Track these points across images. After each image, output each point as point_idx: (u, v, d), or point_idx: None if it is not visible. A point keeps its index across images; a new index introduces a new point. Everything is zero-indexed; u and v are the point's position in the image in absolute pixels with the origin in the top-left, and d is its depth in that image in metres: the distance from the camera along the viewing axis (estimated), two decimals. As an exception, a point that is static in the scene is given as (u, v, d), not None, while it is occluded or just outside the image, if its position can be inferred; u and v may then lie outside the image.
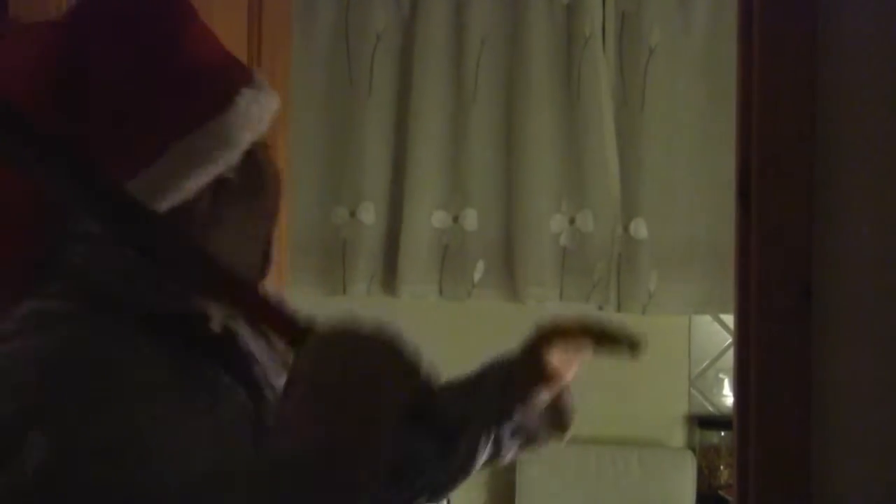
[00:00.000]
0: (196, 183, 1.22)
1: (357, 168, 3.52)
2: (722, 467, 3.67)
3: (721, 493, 3.60)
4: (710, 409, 3.75)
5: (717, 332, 3.72)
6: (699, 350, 3.70)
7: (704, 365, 3.72)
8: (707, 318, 3.70)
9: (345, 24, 3.55)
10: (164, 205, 1.21)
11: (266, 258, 1.38)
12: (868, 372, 1.43)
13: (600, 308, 3.55)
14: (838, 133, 1.41)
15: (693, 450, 3.72)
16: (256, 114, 1.28)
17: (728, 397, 3.71)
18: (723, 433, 3.66)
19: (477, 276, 3.52)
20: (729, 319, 3.58)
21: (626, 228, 3.50)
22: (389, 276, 3.55)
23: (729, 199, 1.54)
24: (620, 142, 3.50)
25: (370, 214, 3.53)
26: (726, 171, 1.67)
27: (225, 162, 1.24)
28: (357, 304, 3.63)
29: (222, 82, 1.27)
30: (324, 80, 3.56)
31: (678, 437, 3.75)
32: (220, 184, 1.25)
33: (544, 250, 3.46)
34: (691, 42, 3.47)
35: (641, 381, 3.57)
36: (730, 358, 2.86)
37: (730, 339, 3.62)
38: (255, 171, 1.30)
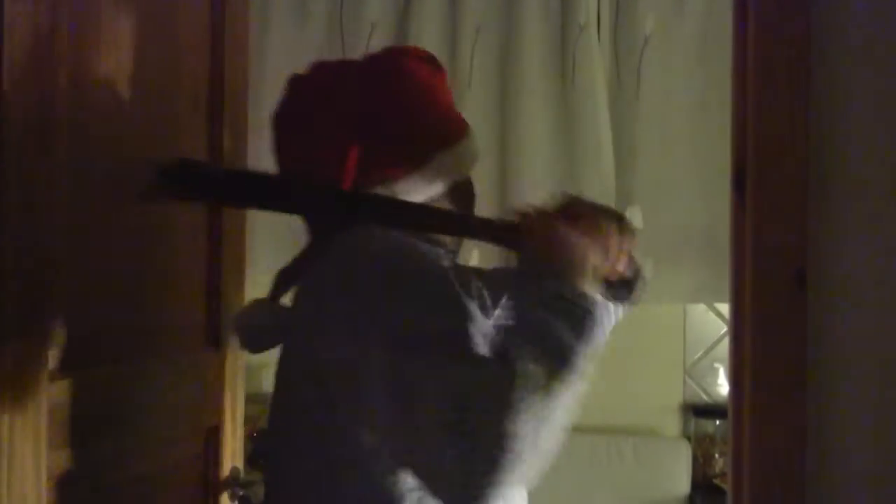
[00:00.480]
0: (437, 189, 1.75)
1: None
2: (717, 456, 3.69)
3: (716, 481, 3.62)
4: (705, 397, 3.76)
5: (712, 321, 3.73)
6: (694, 339, 3.71)
7: (699, 354, 3.72)
8: (702, 307, 3.70)
9: (339, 13, 3.54)
10: (419, 198, 1.73)
11: None
12: (862, 358, 1.43)
13: (595, 297, 3.53)
14: (833, 121, 1.41)
15: (688, 438, 3.73)
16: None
17: (723, 386, 3.72)
18: (718, 422, 3.66)
19: (472, 262, 3.51)
20: (724, 308, 3.59)
21: (620, 217, 3.49)
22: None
23: (724, 187, 1.54)
24: (615, 130, 3.49)
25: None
26: (722, 160, 1.67)
27: (457, 177, 1.80)
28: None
29: (460, 121, 1.85)
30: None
31: (673, 425, 3.75)
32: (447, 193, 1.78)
33: (539, 239, 3.46)
34: (686, 30, 3.47)
35: (636, 370, 3.58)
36: (725, 347, 2.87)
37: (725, 328, 3.63)
38: (466, 190, 1.86)
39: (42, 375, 1.43)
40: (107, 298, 1.62)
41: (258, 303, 1.77)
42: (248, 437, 3.34)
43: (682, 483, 3.66)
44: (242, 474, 2.06)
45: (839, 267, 1.41)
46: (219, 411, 2.01)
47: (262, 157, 3.21)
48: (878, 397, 1.43)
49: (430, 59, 1.88)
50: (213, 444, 1.99)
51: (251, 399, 3.23)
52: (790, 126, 1.39)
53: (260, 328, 1.73)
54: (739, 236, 1.43)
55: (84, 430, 1.55)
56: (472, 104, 3.48)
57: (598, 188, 3.47)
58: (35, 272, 1.41)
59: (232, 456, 2.05)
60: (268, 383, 3.33)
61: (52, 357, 1.47)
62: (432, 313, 1.60)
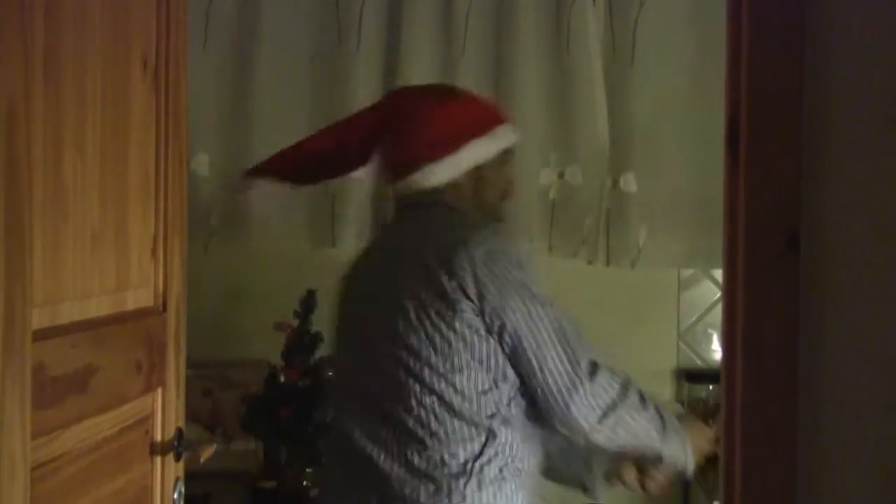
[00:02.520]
0: (468, 164, 2.45)
1: (345, 122, 3.51)
2: (710, 420, 3.69)
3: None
4: (699, 362, 3.76)
5: (705, 287, 3.73)
6: (688, 304, 3.71)
7: (693, 319, 3.72)
8: (696, 272, 3.70)
9: (333, -24, 3.53)
10: (452, 175, 2.44)
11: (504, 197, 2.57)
12: (855, 321, 1.43)
13: (589, 263, 3.55)
14: (827, 83, 1.41)
15: (681, 403, 3.73)
16: (510, 137, 2.54)
17: (717, 352, 3.72)
18: (711, 387, 3.67)
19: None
20: (718, 274, 3.59)
21: (615, 182, 3.49)
22: (378, 229, 3.55)
23: (719, 153, 1.53)
24: (610, 95, 3.49)
25: (359, 168, 3.52)
26: (716, 125, 1.67)
27: (482, 158, 2.47)
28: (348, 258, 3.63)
29: (491, 119, 2.53)
30: (312, 35, 3.54)
31: (666, 390, 3.76)
32: (478, 170, 2.47)
33: (533, 204, 3.46)
34: (681, -5, 3.46)
35: (630, 335, 3.58)
36: (718, 312, 2.87)
37: (718, 294, 3.63)
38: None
39: (26, 335, 1.43)
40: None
41: None
42: (242, 400, 3.37)
43: (675, 448, 3.67)
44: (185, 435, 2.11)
45: (833, 229, 1.41)
46: (165, 372, 2.03)
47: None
48: (871, 360, 1.43)
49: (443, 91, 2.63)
50: (159, 404, 2.02)
51: (204, 363, 3.27)
52: (784, 86, 1.39)
53: None
54: (733, 198, 1.43)
55: (60, 390, 1.58)
56: (467, 69, 3.48)
57: (593, 154, 3.46)
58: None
59: (176, 417, 2.06)
60: (219, 347, 3.36)
61: (36, 317, 1.48)
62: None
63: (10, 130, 1.39)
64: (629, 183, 3.48)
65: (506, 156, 2.55)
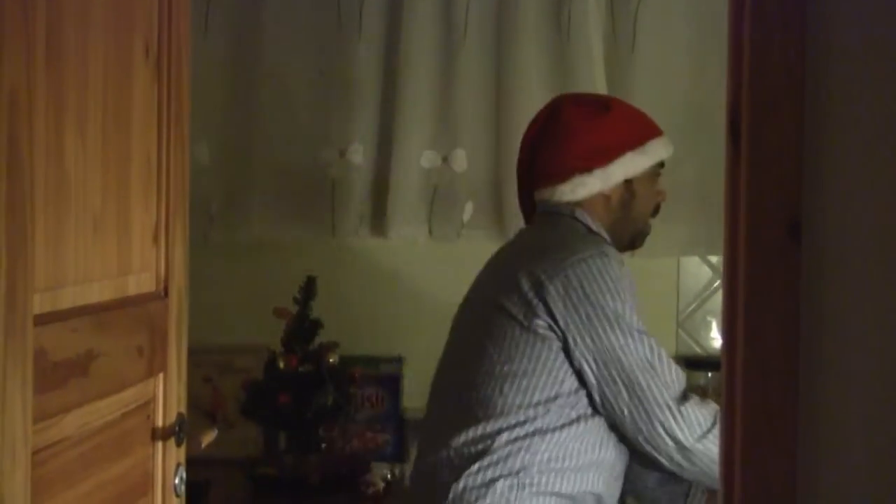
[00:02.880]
0: (619, 178, 2.54)
1: (347, 109, 3.51)
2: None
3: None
4: (698, 350, 3.76)
5: (705, 274, 3.73)
6: (687, 292, 3.71)
7: (692, 307, 3.72)
8: (695, 259, 3.70)
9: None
10: (602, 187, 2.52)
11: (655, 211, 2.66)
12: (856, 310, 1.43)
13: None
14: (829, 69, 1.41)
15: (680, 391, 3.73)
16: (662, 151, 2.60)
17: (716, 339, 3.73)
18: (710, 374, 3.67)
19: (466, 216, 3.52)
20: (717, 261, 3.59)
21: (616, 170, 3.49)
22: (379, 217, 3.55)
23: (719, 140, 1.53)
24: (610, 84, 3.49)
25: (359, 155, 3.52)
26: (717, 114, 1.67)
27: (634, 171, 2.55)
28: (347, 245, 3.63)
29: (644, 133, 2.57)
30: (313, 21, 3.54)
31: (666, 378, 3.75)
32: (629, 183, 2.54)
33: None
34: (682, -18, 3.46)
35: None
36: (718, 300, 2.87)
37: (718, 281, 3.63)
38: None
39: (28, 320, 1.44)
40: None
41: None
42: (242, 387, 3.37)
43: (674, 435, 3.68)
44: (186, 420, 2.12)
45: (834, 219, 1.41)
46: (166, 358, 2.03)
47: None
48: (871, 349, 1.44)
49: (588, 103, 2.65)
50: (160, 389, 2.02)
51: (205, 349, 3.27)
52: (786, 75, 1.38)
53: None
54: (734, 188, 1.42)
55: (62, 374, 1.59)
56: (467, 56, 3.48)
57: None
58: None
59: (177, 402, 2.06)
60: (219, 333, 3.37)
61: (37, 302, 1.49)
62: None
63: (12, 116, 1.40)
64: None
65: (657, 169, 2.61)
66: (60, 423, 1.61)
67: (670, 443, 2.30)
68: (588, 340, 2.31)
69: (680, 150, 3.40)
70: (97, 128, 1.72)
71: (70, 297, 1.64)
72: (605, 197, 2.54)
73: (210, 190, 3.50)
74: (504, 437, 2.33)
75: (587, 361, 2.31)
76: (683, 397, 2.32)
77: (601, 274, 2.34)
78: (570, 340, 2.31)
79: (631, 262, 3.55)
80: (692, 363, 3.73)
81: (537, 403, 2.33)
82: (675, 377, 2.35)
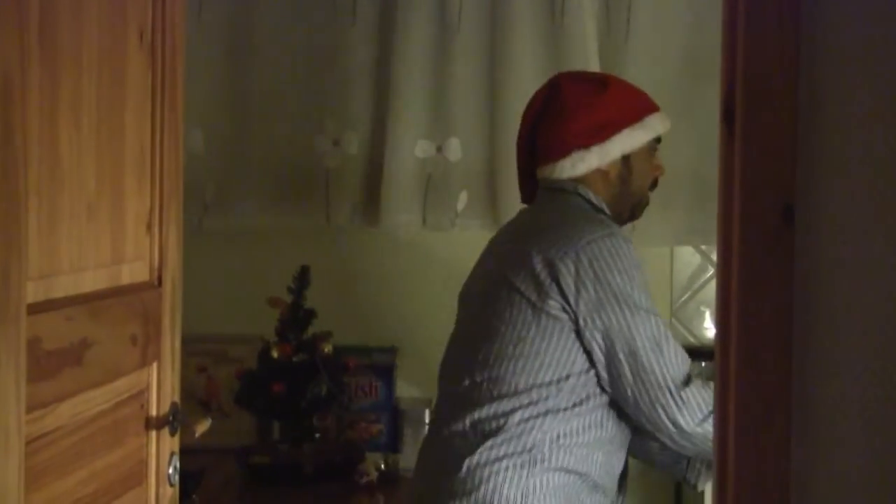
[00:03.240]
0: (617, 153, 2.58)
1: (341, 97, 3.50)
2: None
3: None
4: (692, 339, 3.76)
5: (698, 264, 3.73)
6: (681, 282, 3.70)
7: (686, 297, 3.72)
8: (689, 249, 3.70)
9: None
10: (599, 163, 2.57)
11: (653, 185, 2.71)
12: (851, 297, 1.43)
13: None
14: (824, 57, 1.40)
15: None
16: (659, 126, 2.65)
17: (709, 329, 3.73)
18: (703, 364, 3.67)
19: (460, 206, 3.51)
20: (711, 252, 3.59)
21: (609, 158, 3.48)
22: (373, 206, 3.54)
23: (713, 129, 1.53)
24: (604, 70, 3.48)
25: (354, 144, 3.51)
26: (711, 103, 1.67)
27: (631, 147, 2.60)
28: (342, 234, 3.63)
29: (641, 109, 2.62)
30: (307, 8, 3.53)
31: (660, 367, 3.76)
32: (627, 157, 2.60)
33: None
34: (677, -29, 3.45)
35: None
36: (712, 290, 2.87)
37: (712, 270, 3.63)
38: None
39: (21, 309, 1.43)
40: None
41: None
42: (236, 376, 3.37)
43: (668, 425, 3.68)
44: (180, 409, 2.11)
45: (828, 203, 1.41)
46: (160, 347, 2.03)
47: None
48: (865, 335, 1.43)
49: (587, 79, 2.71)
50: (154, 378, 2.02)
51: (199, 339, 3.27)
52: (781, 60, 1.38)
53: None
54: (728, 172, 1.42)
55: (55, 363, 1.58)
56: (461, 44, 3.47)
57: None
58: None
59: (171, 391, 2.06)
60: (213, 323, 3.37)
61: (31, 290, 1.48)
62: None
63: (5, 101, 1.39)
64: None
65: (655, 144, 2.67)
66: (54, 412, 1.60)
67: (671, 427, 2.37)
68: (598, 320, 2.36)
69: (674, 138, 3.40)
70: (91, 115, 1.71)
71: (64, 286, 1.63)
72: (602, 173, 2.60)
73: (204, 178, 3.50)
74: (517, 415, 2.40)
75: (596, 341, 2.37)
76: (686, 381, 2.38)
77: (611, 254, 2.39)
78: (582, 321, 2.37)
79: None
80: (686, 353, 3.73)
81: (549, 383, 2.40)
82: (680, 359, 2.41)
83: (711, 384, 2.36)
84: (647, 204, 2.73)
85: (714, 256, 2.71)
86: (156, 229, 2.01)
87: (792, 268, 1.40)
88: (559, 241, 2.42)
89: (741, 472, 1.47)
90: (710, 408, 2.31)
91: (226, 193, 3.53)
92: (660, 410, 2.36)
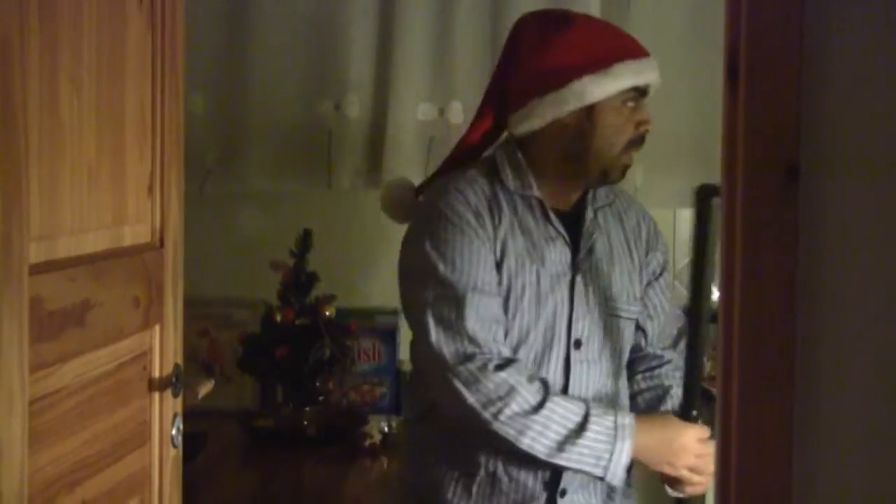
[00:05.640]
0: (577, 103, 2.23)
1: (342, 60, 3.49)
2: (705, 359, 3.70)
3: (704, 384, 3.63)
4: (694, 302, 3.76)
5: (701, 227, 3.71)
6: (683, 244, 3.70)
7: (688, 259, 3.72)
8: (691, 211, 3.69)
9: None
10: (555, 114, 2.24)
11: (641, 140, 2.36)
12: (855, 251, 1.43)
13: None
14: (828, 14, 1.40)
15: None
16: (631, 76, 2.27)
17: (713, 291, 3.72)
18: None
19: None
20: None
21: (612, 123, 3.48)
22: (374, 170, 3.53)
23: (716, 93, 1.53)
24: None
25: (355, 107, 3.50)
26: (713, 68, 1.66)
27: (595, 97, 2.24)
28: (343, 198, 3.63)
29: (611, 53, 2.25)
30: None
31: (662, 330, 3.76)
32: (590, 109, 2.24)
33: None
34: (678, -66, 3.44)
35: (626, 276, 3.57)
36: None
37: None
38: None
39: (23, 269, 1.43)
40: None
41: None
42: (238, 340, 3.38)
43: (671, 387, 3.69)
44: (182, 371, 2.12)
45: (832, 161, 1.41)
46: (163, 308, 2.03)
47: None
48: (870, 298, 1.43)
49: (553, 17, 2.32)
50: (157, 340, 2.03)
51: (202, 302, 3.28)
52: (785, 18, 1.38)
53: None
54: (732, 130, 1.42)
55: (58, 324, 1.58)
56: (464, 8, 3.45)
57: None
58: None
59: (174, 353, 2.06)
60: (215, 286, 3.38)
61: (33, 251, 1.49)
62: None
63: (4, 64, 1.39)
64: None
65: (633, 95, 2.31)
66: (57, 372, 1.61)
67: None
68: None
69: (676, 103, 3.39)
70: (91, 77, 1.71)
71: (66, 247, 1.64)
72: (562, 125, 2.26)
73: (206, 141, 3.49)
74: None
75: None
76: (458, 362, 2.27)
77: (428, 214, 2.33)
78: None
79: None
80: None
81: None
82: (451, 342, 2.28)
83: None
84: (626, 165, 2.36)
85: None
86: (157, 191, 2.01)
87: (796, 226, 1.40)
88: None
89: (744, 427, 1.47)
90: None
91: (227, 157, 3.52)
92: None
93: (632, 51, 2.31)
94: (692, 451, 2.26)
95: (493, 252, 2.24)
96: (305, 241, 3.36)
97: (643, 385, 2.53)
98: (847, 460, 1.45)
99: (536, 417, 2.15)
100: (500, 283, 2.24)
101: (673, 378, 2.52)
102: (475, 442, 2.26)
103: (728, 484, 1.47)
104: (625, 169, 2.36)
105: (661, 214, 3.58)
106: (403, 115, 3.46)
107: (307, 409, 3.34)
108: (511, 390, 2.15)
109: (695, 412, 2.30)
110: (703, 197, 2.15)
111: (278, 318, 3.30)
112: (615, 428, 2.18)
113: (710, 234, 2.16)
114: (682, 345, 2.51)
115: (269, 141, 3.53)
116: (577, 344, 2.31)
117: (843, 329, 1.44)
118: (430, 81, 3.47)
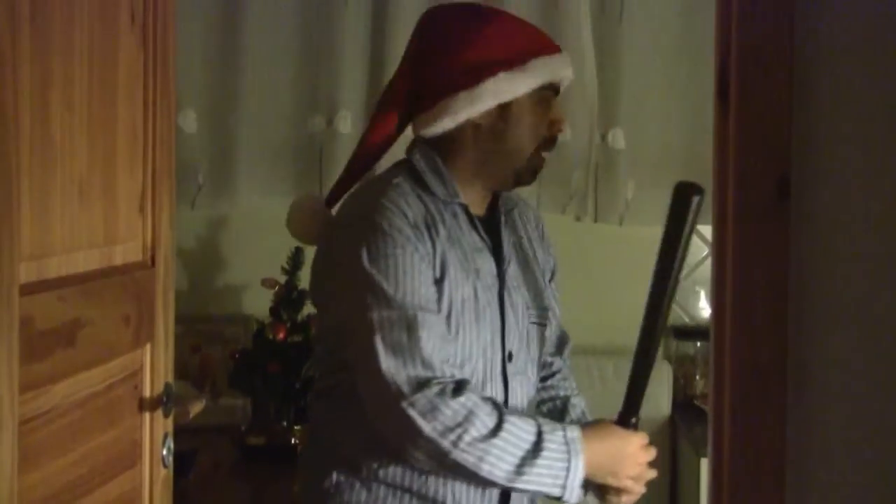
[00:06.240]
0: (491, 102, 2.11)
1: (334, 77, 3.49)
2: (697, 377, 3.71)
3: (696, 402, 3.64)
4: (687, 319, 3.76)
5: (693, 244, 3.71)
6: (676, 260, 3.70)
7: (681, 277, 3.71)
8: (684, 228, 3.69)
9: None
10: (469, 114, 2.10)
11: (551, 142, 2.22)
12: (845, 267, 1.43)
13: (577, 219, 3.55)
14: (818, 31, 1.40)
15: (669, 360, 3.74)
16: (548, 73, 2.16)
17: (704, 309, 3.73)
18: (699, 344, 3.68)
19: (453, 185, 3.50)
20: (706, 231, 3.58)
21: (603, 138, 3.49)
22: (366, 186, 3.53)
23: (707, 108, 1.53)
24: (598, 52, 3.48)
25: (347, 123, 3.50)
26: (704, 82, 1.66)
27: (509, 95, 2.11)
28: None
29: (526, 49, 2.15)
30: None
31: (655, 347, 3.76)
32: (505, 108, 2.12)
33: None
34: (670, -50, 3.45)
35: (618, 291, 3.58)
36: (706, 270, 2.87)
37: (706, 251, 3.63)
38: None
39: (14, 289, 1.43)
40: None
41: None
42: (230, 356, 3.37)
43: (663, 403, 3.69)
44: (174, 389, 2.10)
45: (822, 177, 1.41)
46: (154, 327, 2.02)
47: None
48: (861, 311, 1.43)
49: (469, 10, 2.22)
50: (148, 359, 2.01)
51: (193, 319, 3.27)
52: (775, 35, 1.38)
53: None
54: (723, 144, 1.42)
55: (48, 344, 1.57)
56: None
57: (581, 110, 3.45)
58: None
59: (165, 372, 2.05)
60: (207, 303, 3.36)
61: (23, 271, 1.48)
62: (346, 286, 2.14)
63: (-5, 78, 1.38)
64: (617, 139, 3.47)
65: (548, 93, 2.19)
66: (47, 392, 1.60)
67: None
68: (333, 304, 2.30)
69: (667, 118, 3.40)
70: (82, 94, 1.71)
71: (56, 267, 1.63)
72: (475, 126, 2.14)
73: (197, 158, 3.49)
74: None
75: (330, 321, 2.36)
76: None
77: (351, 230, 2.16)
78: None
79: (618, 230, 3.55)
80: (682, 333, 3.73)
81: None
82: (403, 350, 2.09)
83: None
84: (538, 167, 2.22)
85: (709, 236, 2.72)
86: (148, 209, 2.00)
87: (787, 239, 1.40)
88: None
89: (736, 443, 1.47)
90: None
91: (219, 173, 3.52)
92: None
93: (546, 47, 2.20)
94: (637, 459, 2.11)
95: (433, 267, 2.09)
96: (297, 258, 3.35)
97: (540, 395, 2.38)
98: (840, 464, 1.45)
99: (495, 441, 1.98)
100: (440, 299, 2.08)
101: (567, 388, 2.40)
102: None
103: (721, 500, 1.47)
104: (536, 171, 2.23)
105: (652, 231, 3.59)
106: (394, 131, 3.45)
107: (298, 425, 3.33)
108: (469, 415, 1.98)
109: (634, 419, 2.14)
110: (683, 194, 1.98)
111: (270, 335, 3.29)
112: (566, 443, 2.02)
113: (685, 234, 2.06)
114: (567, 352, 2.43)
115: (261, 157, 3.53)
116: (510, 356, 2.19)
117: (835, 341, 1.45)
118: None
